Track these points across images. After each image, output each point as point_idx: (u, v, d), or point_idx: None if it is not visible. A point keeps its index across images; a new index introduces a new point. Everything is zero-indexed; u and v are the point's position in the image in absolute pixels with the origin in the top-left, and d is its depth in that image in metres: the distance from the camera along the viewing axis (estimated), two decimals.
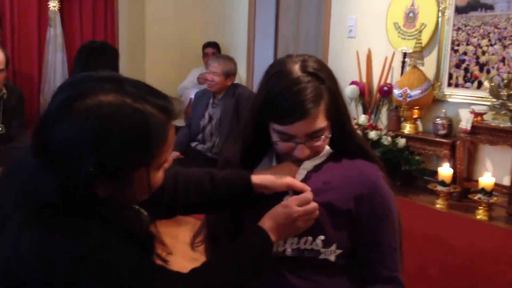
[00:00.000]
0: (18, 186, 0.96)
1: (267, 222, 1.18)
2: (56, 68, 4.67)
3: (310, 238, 1.21)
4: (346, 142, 1.29)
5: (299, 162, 1.27)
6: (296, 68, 1.20)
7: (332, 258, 1.23)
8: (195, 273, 1.08)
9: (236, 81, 4.01)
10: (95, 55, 3.14)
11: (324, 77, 1.21)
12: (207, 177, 1.26)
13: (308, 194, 1.21)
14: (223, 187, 1.25)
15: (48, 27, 4.70)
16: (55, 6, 4.69)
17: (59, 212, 0.92)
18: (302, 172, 1.27)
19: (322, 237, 1.21)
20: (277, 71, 1.22)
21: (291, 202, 1.19)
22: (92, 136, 0.89)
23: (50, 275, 0.89)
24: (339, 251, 1.23)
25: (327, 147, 1.28)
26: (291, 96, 1.17)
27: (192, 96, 4.43)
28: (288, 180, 1.24)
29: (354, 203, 1.23)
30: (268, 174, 1.26)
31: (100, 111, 0.89)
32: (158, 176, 1.02)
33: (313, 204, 1.20)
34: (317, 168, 1.28)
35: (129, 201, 0.99)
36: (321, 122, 1.20)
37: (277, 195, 1.24)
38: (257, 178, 1.25)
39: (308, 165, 1.27)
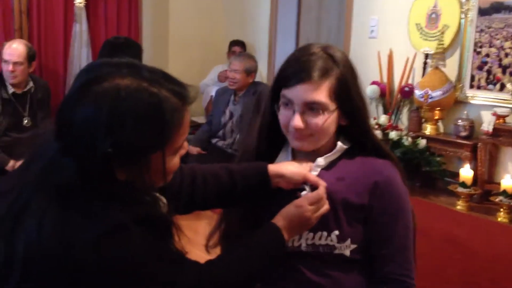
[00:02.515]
0: (40, 170, 0.97)
1: (280, 221, 1.19)
2: (81, 63, 4.74)
3: (325, 233, 1.23)
4: (363, 138, 1.29)
5: (312, 157, 1.28)
6: (316, 46, 1.25)
7: (347, 252, 1.24)
8: (209, 264, 1.10)
9: (258, 79, 4.05)
10: (120, 51, 3.19)
11: (339, 61, 1.23)
12: (224, 170, 1.29)
13: (320, 191, 1.21)
14: (240, 177, 1.27)
15: (74, 23, 4.78)
16: (81, 3, 4.77)
17: (79, 195, 0.94)
18: (316, 169, 1.28)
19: (336, 232, 1.22)
20: (299, 48, 1.28)
21: (303, 201, 1.20)
22: (109, 116, 0.91)
23: (67, 258, 0.90)
24: (353, 246, 1.24)
25: (340, 144, 1.29)
26: (300, 62, 1.22)
27: (213, 94, 4.47)
28: (304, 171, 1.25)
29: (367, 198, 1.24)
30: (284, 165, 1.28)
31: (117, 93, 0.92)
32: (174, 162, 1.04)
33: (326, 206, 1.21)
34: (330, 165, 1.29)
35: (146, 185, 1.00)
36: (322, 96, 1.20)
37: (293, 191, 1.25)
38: (274, 166, 1.27)
39: (321, 162, 1.28)
